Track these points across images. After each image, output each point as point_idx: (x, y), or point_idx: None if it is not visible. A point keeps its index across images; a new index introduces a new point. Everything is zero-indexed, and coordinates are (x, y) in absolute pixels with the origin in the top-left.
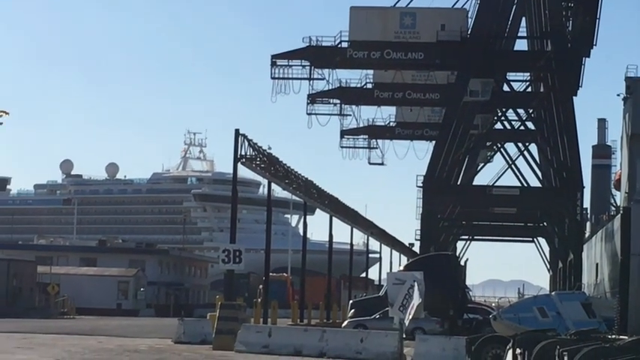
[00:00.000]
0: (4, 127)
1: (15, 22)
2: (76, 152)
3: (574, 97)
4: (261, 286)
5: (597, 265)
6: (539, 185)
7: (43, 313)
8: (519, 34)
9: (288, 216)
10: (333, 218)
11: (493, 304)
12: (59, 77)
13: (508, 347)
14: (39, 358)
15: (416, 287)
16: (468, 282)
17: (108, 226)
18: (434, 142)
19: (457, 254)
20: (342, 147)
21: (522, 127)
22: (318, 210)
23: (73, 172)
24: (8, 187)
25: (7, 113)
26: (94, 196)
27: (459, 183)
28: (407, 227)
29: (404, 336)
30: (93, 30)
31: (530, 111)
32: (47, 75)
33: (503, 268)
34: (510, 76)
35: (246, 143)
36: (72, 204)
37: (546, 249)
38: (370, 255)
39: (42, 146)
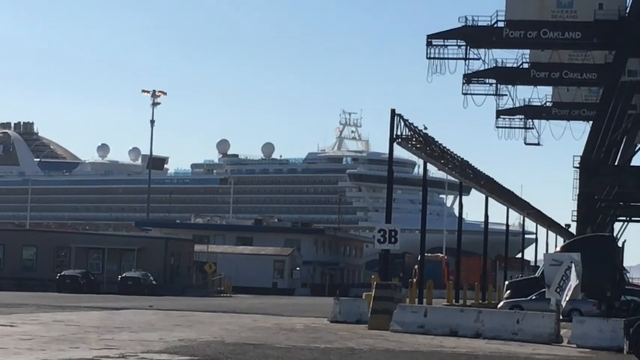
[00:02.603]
0: (161, 107)
1: (166, 2)
2: (232, 132)
3: None
4: (416, 266)
5: None
6: None
7: (201, 292)
8: None
9: (443, 196)
10: (489, 198)
11: None
12: (215, 57)
13: None
14: (197, 336)
15: (573, 268)
16: (626, 264)
17: (264, 206)
18: (591, 122)
19: (614, 236)
20: (497, 127)
21: None
22: (473, 190)
23: (229, 152)
24: (166, 166)
25: (164, 93)
26: (250, 176)
27: (616, 164)
28: (563, 208)
29: (561, 317)
30: (248, 11)
31: None
32: (204, 55)
33: None
34: None
35: (402, 123)
36: (228, 183)
37: None
38: (526, 236)
39: (199, 126)
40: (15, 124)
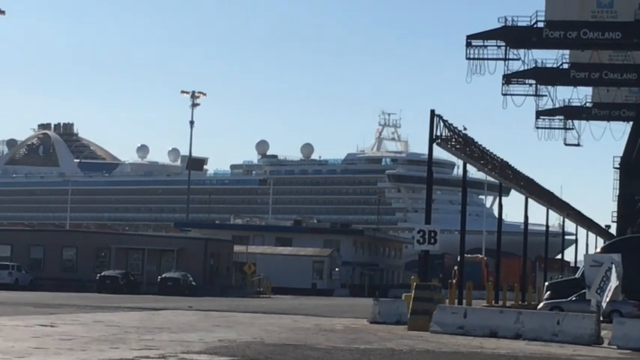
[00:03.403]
0: (201, 108)
1: (206, 2)
2: (271, 133)
3: None
4: (455, 267)
5: None
6: None
7: (240, 292)
8: None
9: (483, 197)
10: (529, 199)
11: None
12: (253, 57)
13: None
14: (237, 337)
15: (614, 269)
16: None
17: (303, 206)
18: (631, 122)
19: None
20: (537, 128)
21: None
22: (513, 191)
23: (268, 153)
24: (205, 167)
25: (204, 94)
26: (289, 177)
27: None
28: (603, 209)
29: (601, 319)
30: (286, 11)
31: None
32: (243, 56)
33: None
34: None
35: (442, 124)
36: (267, 184)
37: None
38: (566, 236)
39: (238, 127)
40: (55, 125)
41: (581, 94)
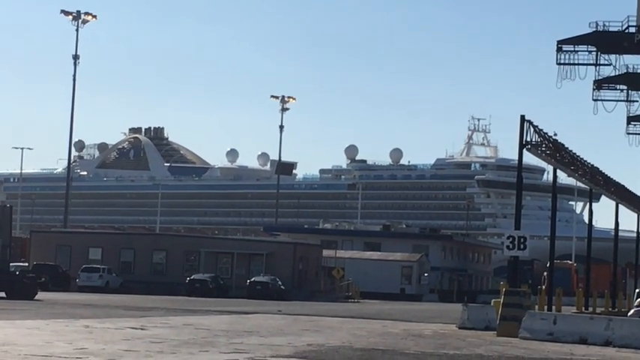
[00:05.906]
0: (290, 113)
1: (297, 7)
2: (360, 137)
3: None
4: (545, 273)
5: None
6: None
7: (328, 297)
8: None
9: (573, 203)
10: (619, 205)
11: None
12: (343, 62)
13: None
14: (325, 341)
15: None
16: None
17: (392, 211)
18: None
19: None
20: (628, 133)
21: None
22: (603, 197)
23: (357, 158)
24: (294, 171)
25: (293, 99)
26: (378, 182)
27: None
28: None
29: None
30: (377, 16)
31: None
32: (333, 60)
33: None
34: None
35: (532, 129)
36: (356, 189)
37: None
38: None
39: (327, 131)
40: (146, 129)
41: None
